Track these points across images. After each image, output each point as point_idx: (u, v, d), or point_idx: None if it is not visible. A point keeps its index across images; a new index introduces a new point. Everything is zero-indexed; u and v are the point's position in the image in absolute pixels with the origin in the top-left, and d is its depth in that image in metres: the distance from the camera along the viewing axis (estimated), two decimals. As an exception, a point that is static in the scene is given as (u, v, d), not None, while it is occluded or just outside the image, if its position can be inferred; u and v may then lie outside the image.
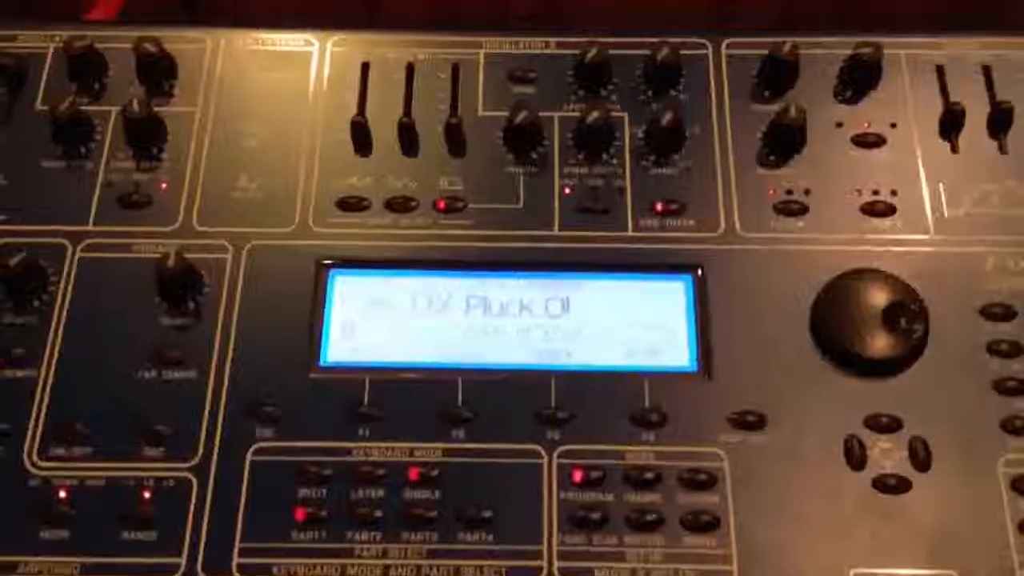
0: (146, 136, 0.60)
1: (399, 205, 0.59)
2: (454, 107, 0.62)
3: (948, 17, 0.66)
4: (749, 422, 0.54)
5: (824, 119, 0.61)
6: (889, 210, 0.59)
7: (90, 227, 0.59)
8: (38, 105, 0.62)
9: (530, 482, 0.52)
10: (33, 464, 0.53)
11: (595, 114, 0.59)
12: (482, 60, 0.63)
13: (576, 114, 0.61)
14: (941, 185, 0.59)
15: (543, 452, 0.53)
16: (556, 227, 0.59)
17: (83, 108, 0.61)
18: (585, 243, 0.58)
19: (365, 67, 0.63)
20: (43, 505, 0.52)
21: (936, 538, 0.51)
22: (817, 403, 0.54)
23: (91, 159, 0.60)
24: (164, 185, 0.60)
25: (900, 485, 0.52)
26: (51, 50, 0.63)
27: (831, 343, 0.55)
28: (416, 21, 0.79)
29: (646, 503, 0.52)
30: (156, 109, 0.61)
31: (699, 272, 0.57)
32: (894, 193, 0.59)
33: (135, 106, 0.60)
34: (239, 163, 0.60)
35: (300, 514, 0.52)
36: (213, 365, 0.55)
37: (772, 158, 0.60)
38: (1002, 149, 0.60)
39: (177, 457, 0.53)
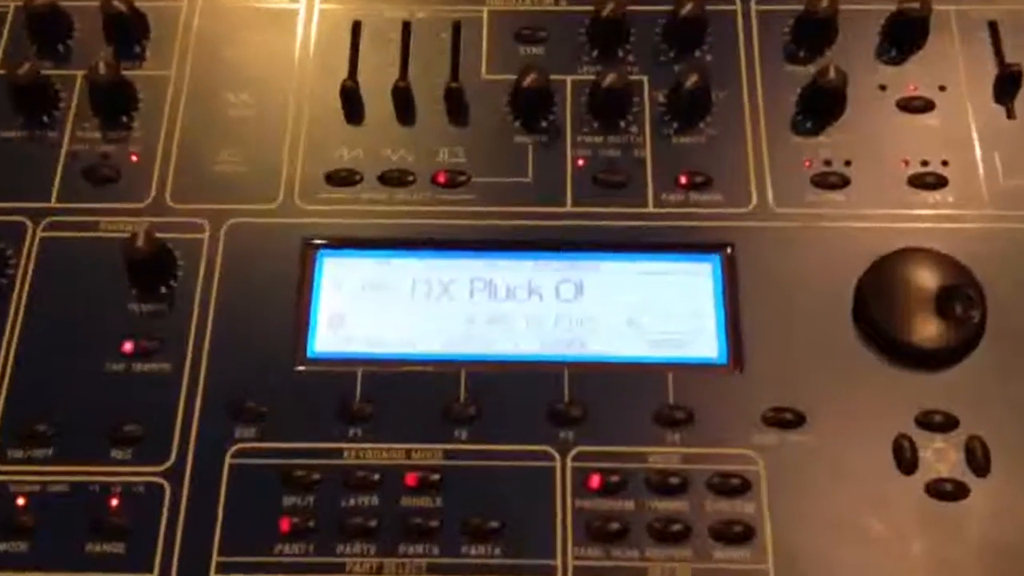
0: (114, 103, 0.59)
1: (394, 179, 0.57)
2: (455, 70, 0.60)
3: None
4: (786, 420, 0.52)
5: (866, 82, 0.59)
6: (940, 182, 0.57)
7: (53, 204, 0.57)
8: (-5, 69, 0.61)
9: (541, 488, 0.51)
10: (-11, 468, 0.52)
11: (612, 77, 0.58)
12: (486, 18, 0.62)
13: (591, 77, 0.59)
14: (996, 154, 0.57)
15: (556, 454, 0.51)
16: (569, 203, 0.57)
17: (45, 72, 0.59)
18: (601, 220, 0.56)
19: (356, 26, 0.61)
20: (0, 514, 0.50)
21: (996, 549, 0.49)
22: (862, 399, 0.52)
23: (54, 128, 0.59)
24: (135, 157, 0.58)
25: (956, 491, 0.50)
26: (11, 9, 0.62)
27: (877, 331, 0.53)
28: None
29: (671, 511, 0.50)
30: (125, 72, 0.59)
31: (728, 252, 0.56)
32: (945, 163, 0.57)
33: (102, 69, 0.58)
34: (217, 133, 0.59)
35: (285, 524, 0.50)
36: (188, 357, 0.53)
37: (809, 125, 0.58)
38: (1062, 114, 0.60)
39: (148, 460, 0.51)
